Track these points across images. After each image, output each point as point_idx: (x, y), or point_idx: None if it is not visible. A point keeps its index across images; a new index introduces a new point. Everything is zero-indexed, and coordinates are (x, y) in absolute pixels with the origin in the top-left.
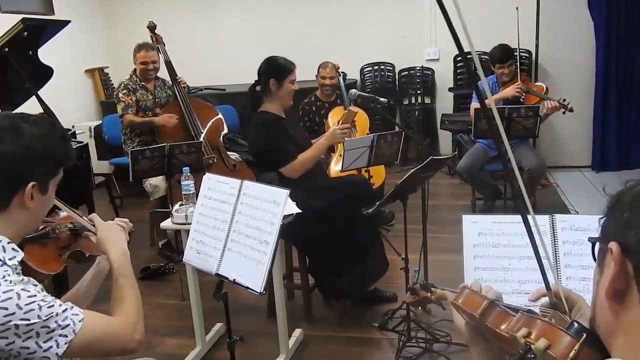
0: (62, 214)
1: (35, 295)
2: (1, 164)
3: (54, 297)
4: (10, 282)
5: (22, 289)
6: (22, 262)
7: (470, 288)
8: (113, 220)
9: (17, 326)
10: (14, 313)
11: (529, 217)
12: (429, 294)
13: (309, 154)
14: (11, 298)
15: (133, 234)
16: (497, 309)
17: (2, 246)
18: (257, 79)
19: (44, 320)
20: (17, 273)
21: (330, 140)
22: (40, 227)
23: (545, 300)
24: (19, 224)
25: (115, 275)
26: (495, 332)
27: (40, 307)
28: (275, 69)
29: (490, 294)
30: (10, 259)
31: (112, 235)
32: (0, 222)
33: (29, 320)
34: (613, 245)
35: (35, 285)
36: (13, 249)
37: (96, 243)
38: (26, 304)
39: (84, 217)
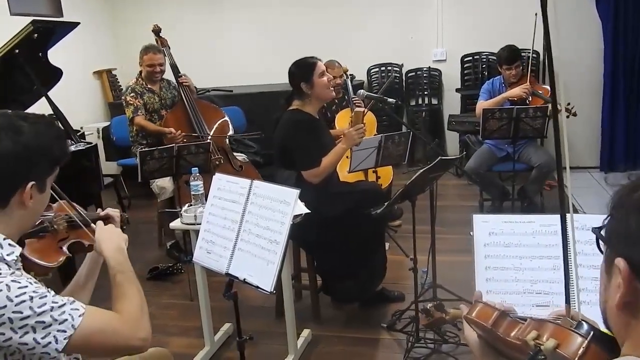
0: (55, 205)
1: (26, 287)
2: (1, 164)
3: (50, 290)
4: (0, 274)
5: (12, 280)
6: (23, 257)
7: (483, 302)
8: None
9: (10, 320)
10: (5, 306)
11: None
12: (444, 314)
13: (331, 159)
14: (1, 290)
15: (140, 234)
16: (508, 318)
17: None
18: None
19: (38, 315)
20: (18, 268)
21: (349, 143)
22: (38, 222)
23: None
24: (17, 222)
25: (113, 272)
26: (507, 341)
27: (31, 298)
28: (299, 72)
29: (504, 307)
30: (8, 255)
31: (104, 233)
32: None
33: (21, 313)
34: (620, 262)
35: (29, 279)
36: (10, 244)
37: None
38: (17, 296)
39: (82, 211)
